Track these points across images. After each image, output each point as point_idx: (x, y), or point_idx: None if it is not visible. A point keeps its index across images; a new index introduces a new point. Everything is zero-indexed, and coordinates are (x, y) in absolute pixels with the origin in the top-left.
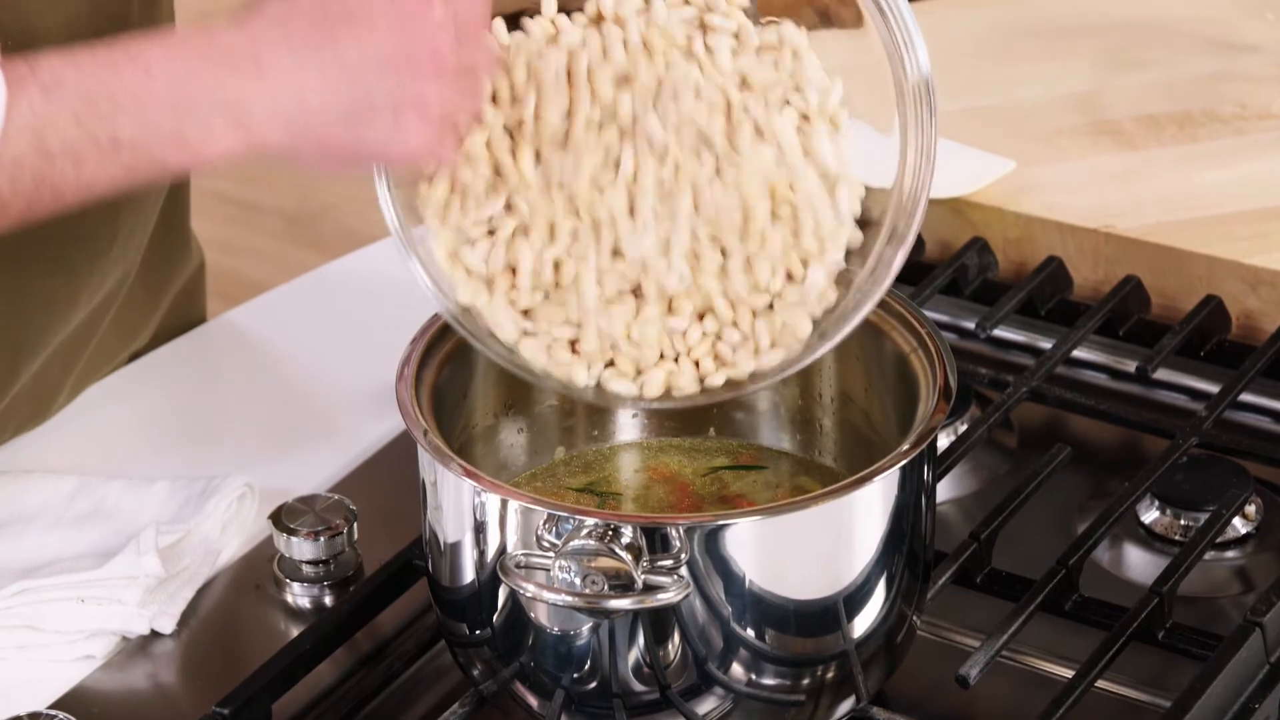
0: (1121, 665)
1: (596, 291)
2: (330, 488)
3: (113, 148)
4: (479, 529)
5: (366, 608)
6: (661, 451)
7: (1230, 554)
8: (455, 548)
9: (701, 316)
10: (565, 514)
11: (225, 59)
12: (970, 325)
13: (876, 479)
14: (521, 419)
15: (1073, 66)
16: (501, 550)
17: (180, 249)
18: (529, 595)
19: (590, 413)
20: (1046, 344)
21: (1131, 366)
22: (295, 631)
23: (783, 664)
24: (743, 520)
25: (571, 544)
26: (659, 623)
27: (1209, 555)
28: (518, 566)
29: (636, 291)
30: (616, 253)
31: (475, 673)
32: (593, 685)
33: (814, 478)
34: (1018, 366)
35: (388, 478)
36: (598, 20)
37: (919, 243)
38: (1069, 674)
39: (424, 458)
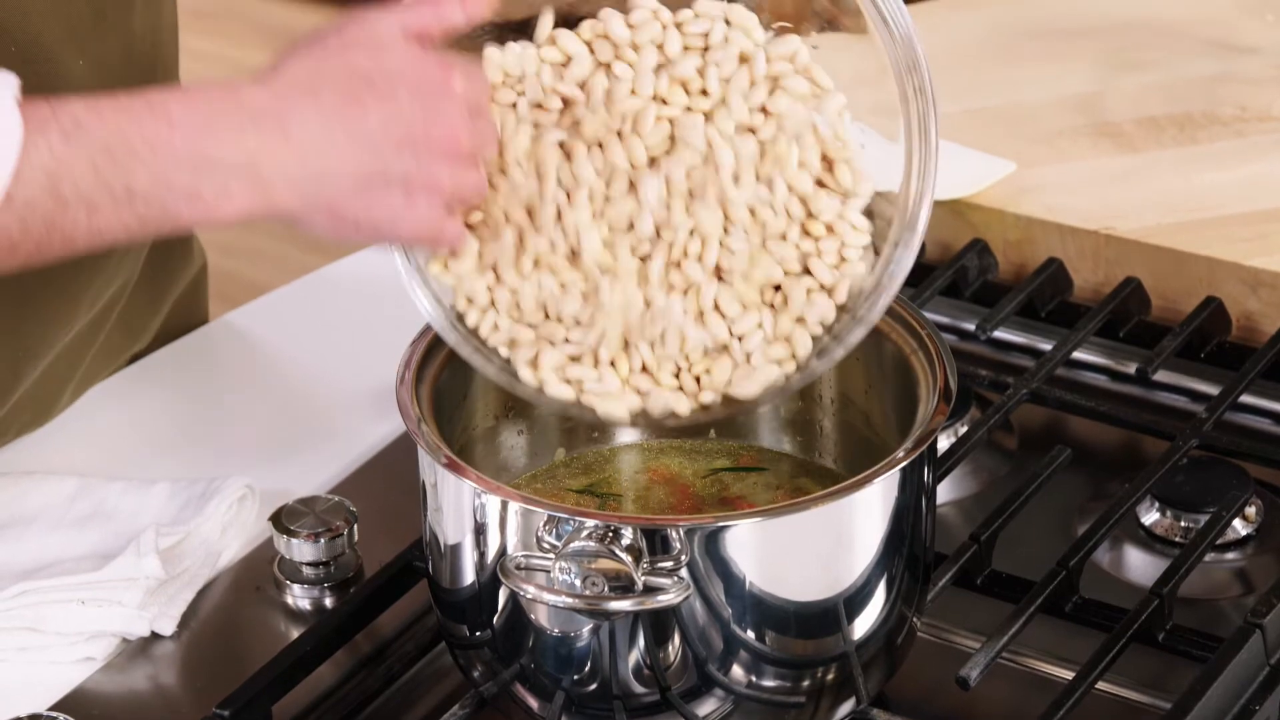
0: (1122, 667)
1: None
2: (330, 489)
3: (127, 198)
4: (479, 530)
5: (367, 609)
6: (662, 453)
7: (1230, 556)
8: (455, 549)
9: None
10: (565, 515)
11: (249, 118)
12: (970, 327)
13: (877, 481)
14: (522, 420)
15: (1073, 68)
16: (502, 552)
17: (182, 252)
18: (529, 597)
19: None
20: (1047, 346)
21: (1132, 368)
22: (295, 633)
23: (783, 666)
24: (743, 522)
25: (572, 545)
26: (659, 624)
27: (1209, 557)
28: (518, 568)
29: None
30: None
31: (475, 674)
32: (593, 687)
33: (814, 479)
34: (1018, 368)
35: (388, 479)
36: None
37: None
38: (1069, 676)
39: (424, 459)
